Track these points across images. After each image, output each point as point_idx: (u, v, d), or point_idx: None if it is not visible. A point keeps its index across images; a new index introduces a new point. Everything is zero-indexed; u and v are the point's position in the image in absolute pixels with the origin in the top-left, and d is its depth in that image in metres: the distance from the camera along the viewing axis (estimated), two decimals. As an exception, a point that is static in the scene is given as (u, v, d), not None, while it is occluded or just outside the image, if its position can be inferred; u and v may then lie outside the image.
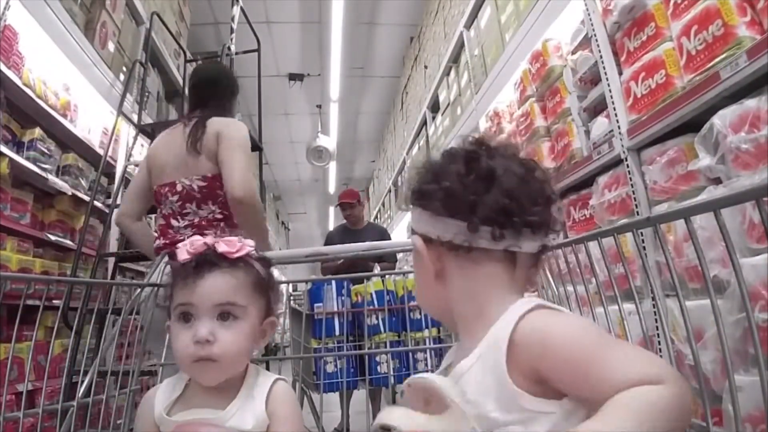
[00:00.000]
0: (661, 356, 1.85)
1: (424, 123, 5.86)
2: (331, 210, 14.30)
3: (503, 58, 3.25)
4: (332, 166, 10.45)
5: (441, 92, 4.96)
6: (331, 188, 12.67)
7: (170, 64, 4.73)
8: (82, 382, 1.91)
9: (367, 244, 2.23)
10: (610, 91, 2.13)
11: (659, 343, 1.80)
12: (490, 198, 0.72)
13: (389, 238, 4.31)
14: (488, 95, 3.52)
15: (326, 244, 4.14)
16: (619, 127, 2.07)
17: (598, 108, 2.30)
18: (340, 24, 6.30)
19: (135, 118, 3.67)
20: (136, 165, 3.47)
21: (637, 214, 1.95)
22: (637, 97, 2.01)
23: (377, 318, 2.70)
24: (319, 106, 8.65)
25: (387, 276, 2.84)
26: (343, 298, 2.88)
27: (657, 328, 1.84)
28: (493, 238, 0.72)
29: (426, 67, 5.63)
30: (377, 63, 7.67)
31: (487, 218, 0.72)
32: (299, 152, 9.84)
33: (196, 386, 1.00)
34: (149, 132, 3.64)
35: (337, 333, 2.81)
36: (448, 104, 4.64)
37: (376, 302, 2.72)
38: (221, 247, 1.01)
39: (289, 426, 0.97)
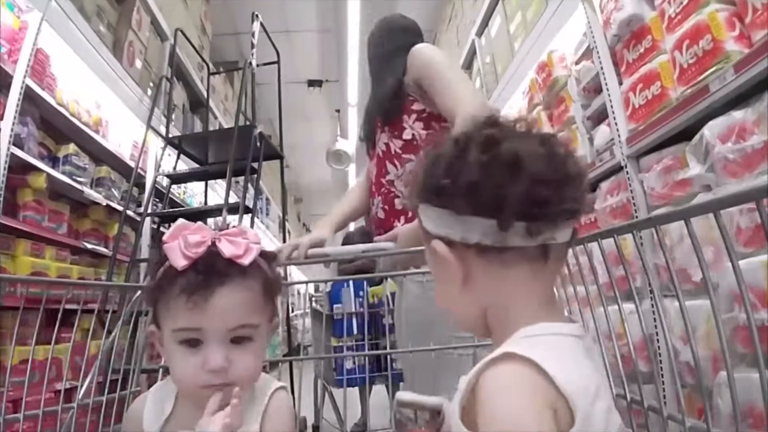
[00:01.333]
0: (659, 354, 1.95)
1: (440, 127, 5.94)
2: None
3: (513, 67, 3.35)
4: (352, 169, 10.62)
5: (455, 97, 5.03)
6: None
7: (194, 77, 4.93)
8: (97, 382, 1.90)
9: (368, 245, 2.19)
10: (610, 100, 2.23)
11: (658, 341, 1.90)
12: (520, 188, 0.61)
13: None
14: (499, 102, 3.61)
15: (344, 244, 4.23)
16: (619, 136, 2.16)
17: (601, 116, 2.40)
18: (357, 30, 6.45)
19: (163, 130, 3.86)
20: (166, 175, 3.67)
21: (636, 218, 2.04)
22: (635, 107, 2.11)
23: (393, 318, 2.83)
24: (338, 111, 8.81)
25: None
26: (360, 299, 3.03)
27: (656, 327, 1.93)
28: (529, 234, 0.62)
29: (441, 72, 5.71)
30: (394, 68, 7.79)
31: (519, 212, 0.61)
32: (319, 156, 10.03)
33: (187, 402, 0.89)
34: (176, 144, 3.83)
35: (355, 332, 2.96)
36: (463, 109, 4.72)
37: (392, 303, 2.86)
38: (228, 250, 0.83)
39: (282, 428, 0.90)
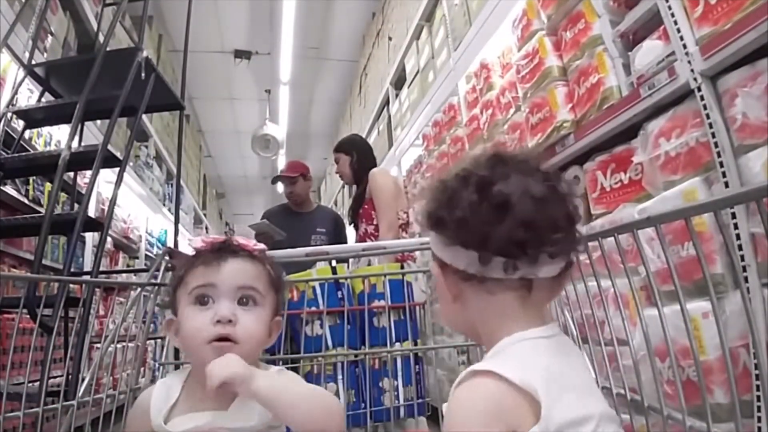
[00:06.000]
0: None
1: (385, 103, 5.26)
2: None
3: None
4: (281, 161, 9.66)
5: (408, 61, 4.37)
6: (280, 187, 11.82)
7: (87, 10, 3.92)
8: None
9: (369, 244, 2.41)
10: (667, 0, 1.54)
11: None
12: (503, 229, 0.68)
13: (343, 225, 3.64)
14: (472, 48, 2.93)
15: (263, 218, 3.42)
16: (684, 47, 1.48)
17: (641, 32, 1.72)
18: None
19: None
20: (15, 112, 2.66)
21: (721, 165, 1.35)
22: (710, 4, 1.43)
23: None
24: (268, 91, 7.85)
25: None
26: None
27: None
28: (504, 270, 0.69)
29: (390, 38, 5.00)
30: (334, 43, 6.99)
31: (499, 250, 0.68)
32: (246, 144, 8.99)
33: (194, 387, 0.94)
34: (41, 77, 2.83)
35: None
36: (417, 72, 4.06)
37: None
38: (239, 240, 1.00)
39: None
